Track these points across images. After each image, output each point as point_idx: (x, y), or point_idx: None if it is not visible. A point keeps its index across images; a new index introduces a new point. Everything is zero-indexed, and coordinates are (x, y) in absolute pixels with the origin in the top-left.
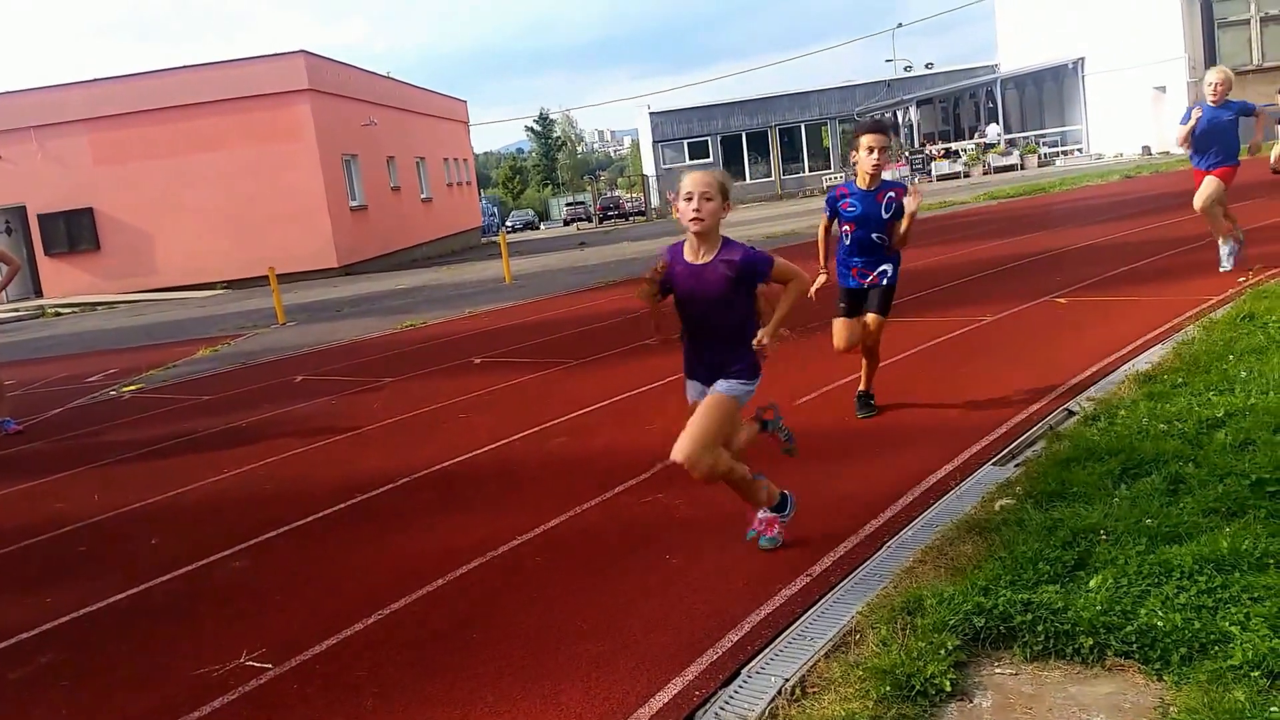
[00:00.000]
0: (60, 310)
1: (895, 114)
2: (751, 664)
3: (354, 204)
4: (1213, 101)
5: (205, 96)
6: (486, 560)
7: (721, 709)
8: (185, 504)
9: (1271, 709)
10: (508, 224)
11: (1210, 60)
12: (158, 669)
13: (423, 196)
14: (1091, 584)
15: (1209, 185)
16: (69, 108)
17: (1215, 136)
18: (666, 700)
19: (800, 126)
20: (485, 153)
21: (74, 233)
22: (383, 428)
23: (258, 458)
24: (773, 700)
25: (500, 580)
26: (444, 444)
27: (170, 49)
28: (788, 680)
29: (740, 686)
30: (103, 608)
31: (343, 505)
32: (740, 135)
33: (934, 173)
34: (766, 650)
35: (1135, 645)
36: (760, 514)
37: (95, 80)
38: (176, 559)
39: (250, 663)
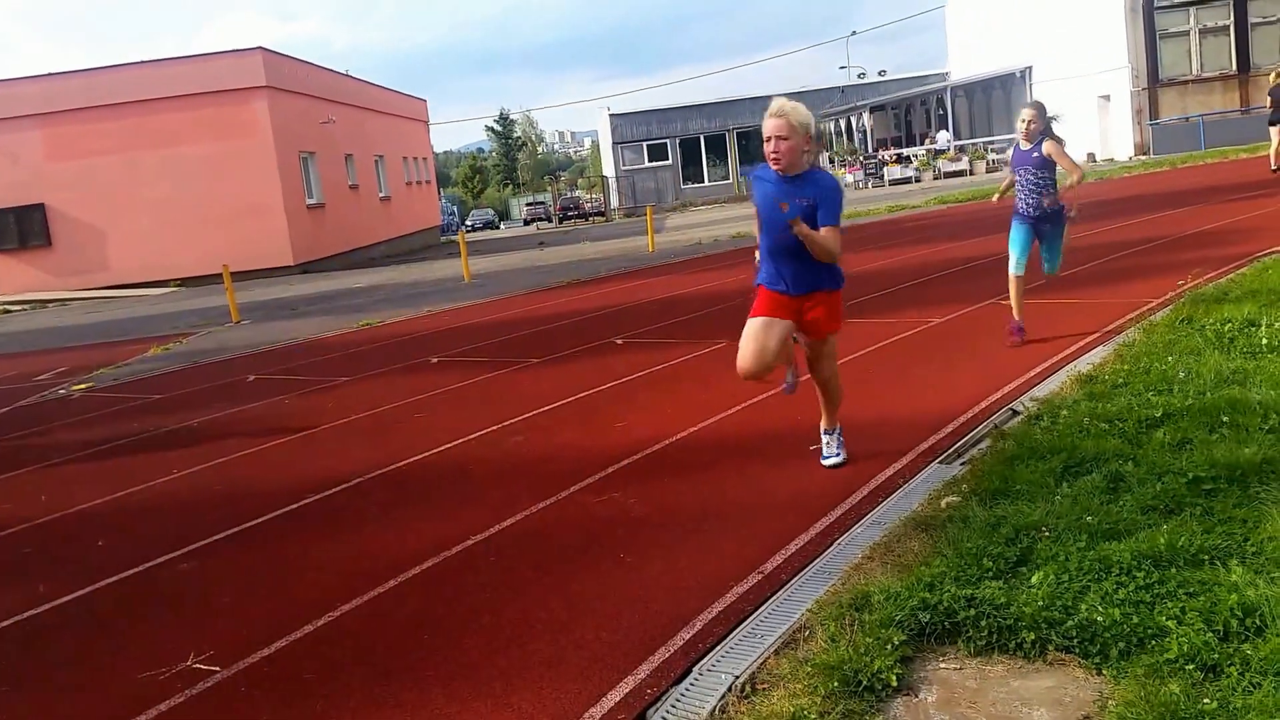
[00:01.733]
0: (10, 307)
1: (850, 119)
2: (703, 662)
3: (311, 202)
4: (775, 166)
5: (161, 92)
6: (440, 560)
7: (673, 707)
8: (134, 505)
9: (1205, 701)
10: (467, 223)
11: (1153, 71)
12: (103, 673)
13: (381, 195)
14: (1033, 580)
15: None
16: (21, 102)
17: (783, 226)
18: (618, 699)
19: (757, 130)
20: (445, 152)
21: (25, 229)
22: (337, 427)
23: (209, 458)
24: (723, 698)
25: (454, 580)
26: (399, 443)
27: (125, 47)
28: (738, 677)
29: (691, 684)
30: (47, 610)
31: (295, 506)
32: (698, 138)
33: (886, 177)
34: (718, 648)
35: (1075, 640)
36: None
37: (48, 75)
38: (124, 561)
39: (198, 665)
